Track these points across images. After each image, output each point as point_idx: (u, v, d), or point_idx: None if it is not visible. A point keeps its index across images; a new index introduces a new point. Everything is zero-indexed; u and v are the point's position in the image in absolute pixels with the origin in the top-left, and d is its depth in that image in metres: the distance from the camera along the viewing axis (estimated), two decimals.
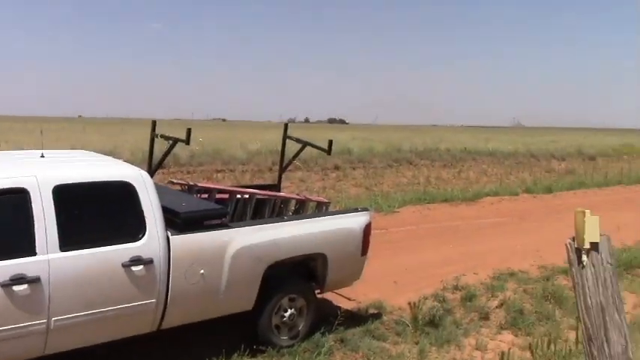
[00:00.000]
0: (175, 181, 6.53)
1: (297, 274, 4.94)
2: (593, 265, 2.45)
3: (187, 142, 5.24)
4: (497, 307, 6.07)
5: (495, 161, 26.09)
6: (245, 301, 4.45)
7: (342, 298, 5.93)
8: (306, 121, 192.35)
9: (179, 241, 4.03)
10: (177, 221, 4.10)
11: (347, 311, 5.64)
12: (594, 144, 37.66)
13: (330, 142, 6.53)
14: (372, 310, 5.81)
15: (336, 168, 20.21)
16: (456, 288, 6.59)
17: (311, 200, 6.44)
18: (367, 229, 5.18)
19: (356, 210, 5.38)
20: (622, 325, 2.41)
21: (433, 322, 5.44)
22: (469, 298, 6.26)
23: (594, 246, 2.47)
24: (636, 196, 16.00)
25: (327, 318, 5.15)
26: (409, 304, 5.57)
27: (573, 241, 2.52)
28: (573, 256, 2.50)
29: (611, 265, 2.48)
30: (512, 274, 7.20)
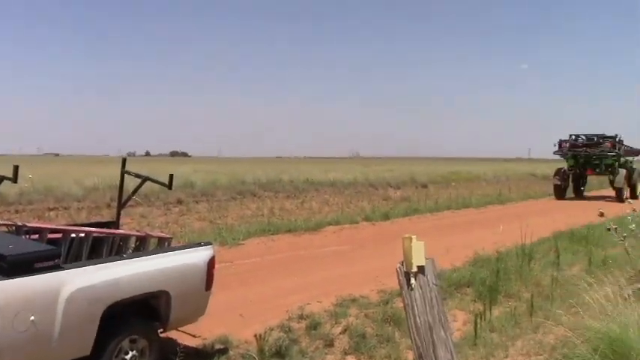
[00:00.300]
0: (1, 221, 6.06)
1: (139, 314, 4.77)
2: (421, 287, 2.64)
3: (14, 179, 4.92)
4: (341, 333, 6.25)
5: (336, 191, 26.99)
6: (82, 347, 4.22)
7: (187, 336, 5.81)
8: (147, 154, 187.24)
9: (5, 286, 3.75)
10: (3, 265, 3.82)
11: (192, 349, 5.53)
12: (425, 172, 40.22)
13: (171, 177, 6.41)
14: (217, 346, 5.74)
15: (179, 202, 19.81)
16: (301, 317, 6.69)
17: (152, 236, 6.28)
18: (211, 263, 5.14)
19: (199, 244, 5.32)
20: (447, 340, 2.62)
21: (280, 353, 5.49)
22: (314, 326, 6.38)
23: (421, 269, 2.67)
24: (463, 219, 17.33)
25: (171, 358, 5.01)
26: (255, 336, 5.57)
27: (403, 265, 2.70)
28: (403, 279, 2.68)
29: (436, 285, 2.69)
30: (354, 300, 7.45)
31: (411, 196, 24.72)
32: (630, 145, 28.45)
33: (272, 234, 12.91)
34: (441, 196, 24.32)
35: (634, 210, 7.34)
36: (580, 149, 26.54)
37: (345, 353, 5.79)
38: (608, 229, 7.18)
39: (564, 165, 27.05)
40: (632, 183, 26.29)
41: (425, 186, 32.02)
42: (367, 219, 16.24)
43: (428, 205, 20.51)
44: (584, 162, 26.61)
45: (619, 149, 26.55)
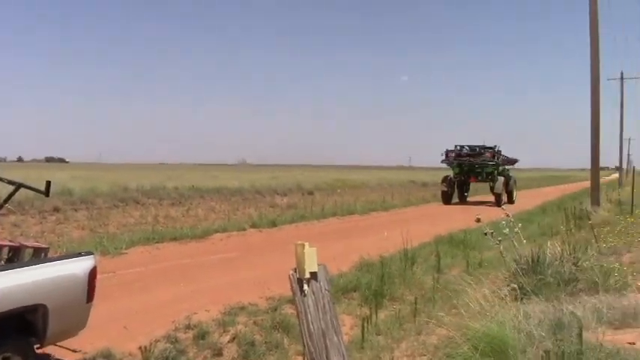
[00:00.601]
0: None
1: (12, 330, 4.46)
2: (314, 293, 2.66)
3: None
4: (229, 341, 6.17)
5: (223, 198, 26.71)
6: None
7: (66, 351, 5.50)
8: (20, 160, 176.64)
9: None
10: None
11: None
12: (311, 179, 40.71)
13: (48, 183, 6.05)
14: None
15: (56, 210, 18.78)
16: (188, 327, 6.54)
17: (27, 246, 5.90)
18: (92, 274, 4.90)
19: (79, 254, 5.06)
20: (340, 345, 2.65)
21: None
22: (201, 335, 6.26)
23: (314, 275, 2.68)
24: (349, 226, 17.70)
25: None
26: (140, 348, 5.37)
27: (295, 271, 2.71)
28: (296, 286, 2.69)
29: (328, 291, 2.72)
30: (242, 308, 7.39)
31: (298, 203, 24.93)
32: (507, 155, 31.07)
33: (157, 242, 12.57)
34: (327, 203, 24.72)
35: (507, 215, 7.78)
36: (464, 159, 28.86)
37: None
38: (485, 234, 7.57)
39: (449, 173, 29.56)
40: (509, 189, 28.92)
41: (311, 193, 32.38)
42: (254, 226, 16.20)
43: (314, 211, 20.76)
44: (468, 170, 28.93)
45: (498, 159, 29.07)
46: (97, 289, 4.99)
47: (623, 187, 39.29)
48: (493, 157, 28.75)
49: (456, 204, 28.42)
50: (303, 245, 2.66)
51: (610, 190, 32.80)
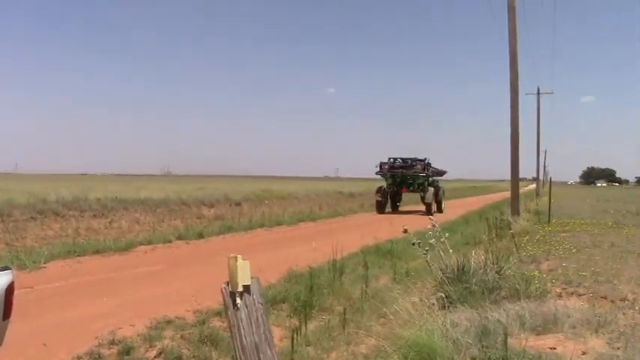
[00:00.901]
0: None
1: None
2: (247, 307, 2.62)
3: None
4: (155, 356, 6.01)
5: (147, 209, 26.11)
6: None
7: None
8: None
9: None
10: None
11: None
12: (239, 190, 40.41)
13: None
14: None
15: None
16: (112, 342, 6.32)
17: None
18: (9, 290, 4.65)
19: None
20: (274, 359, 2.62)
21: None
22: (126, 351, 6.07)
23: (247, 288, 2.64)
24: (277, 237, 17.64)
25: None
26: None
27: (228, 285, 2.66)
28: (228, 300, 2.64)
29: (261, 305, 2.69)
30: (169, 322, 7.21)
31: (225, 215, 24.68)
32: (436, 167, 32.83)
33: (78, 256, 12.13)
34: (254, 214, 24.58)
35: (434, 225, 7.95)
36: (397, 170, 30.58)
37: None
38: (413, 244, 7.70)
39: (382, 184, 31.06)
40: (439, 199, 30.58)
41: (239, 204, 32.14)
42: (181, 238, 15.92)
43: (242, 223, 20.60)
44: (400, 181, 30.62)
45: (428, 171, 30.69)
46: (14, 306, 4.75)
47: (540, 197, 41.12)
48: (424, 169, 30.36)
49: (388, 213, 29.52)
50: (236, 258, 2.62)
51: (528, 200, 34.20)
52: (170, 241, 15.26)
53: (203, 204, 30.60)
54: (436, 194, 30.19)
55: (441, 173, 34.45)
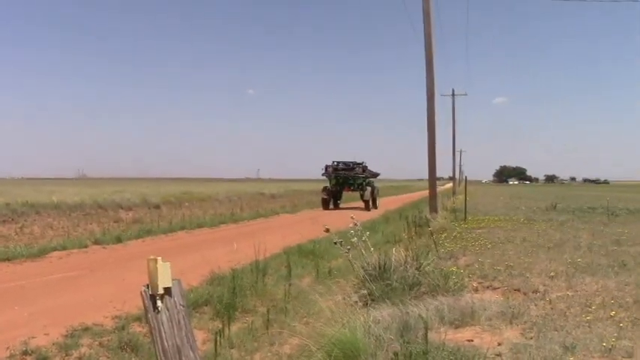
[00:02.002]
0: None
1: None
2: (168, 309, 2.56)
3: None
4: None
5: (61, 214, 25.09)
6: None
7: None
8: None
9: None
10: None
11: None
12: (157, 193, 39.54)
13: None
14: None
15: None
16: (25, 353, 6.05)
17: None
18: None
19: None
20: None
21: None
22: None
23: (167, 291, 2.59)
24: (198, 239, 17.40)
25: None
26: None
27: (148, 287, 2.59)
28: (148, 303, 2.57)
29: (183, 307, 2.64)
30: (86, 329, 6.97)
31: (144, 218, 24.11)
32: (371, 169, 37.12)
33: None
34: (174, 217, 24.17)
35: (355, 224, 8.04)
36: (340, 172, 35.34)
37: None
38: (335, 243, 7.77)
39: (326, 184, 35.80)
40: (374, 197, 35.13)
41: (157, 207, 31.41)
42: (97, 242, 15.43)
43: (161, 226, 20.21)
44: (343, 182, 35.34)
45: (366, 172, 35.74)
46: None
47: (456, 196, 42.51)
48: (363, 171, 35.52)
49: (332, 210, 33.70)
50: (156, 260, 2.55)
51: (445, 198, 35.25)
52: (86, 246, 14.77)
53: (120, 207, 29.69)
54: (372, 192, 34.74)
55: (375, 175, 38.43)
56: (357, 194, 35.92)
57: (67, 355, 6.07)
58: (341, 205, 36.24)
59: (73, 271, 11.16)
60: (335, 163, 35.81)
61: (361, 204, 34.47)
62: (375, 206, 34.31)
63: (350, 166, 35.81)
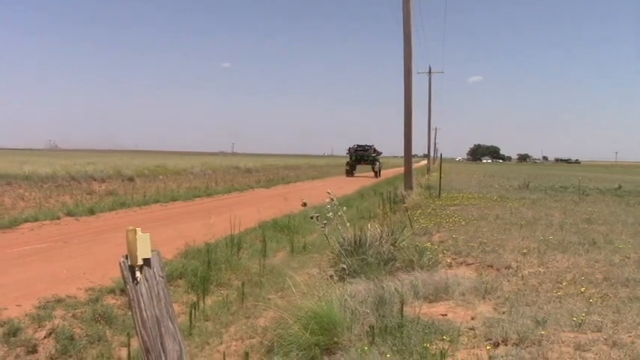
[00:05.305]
0: None
1: None
2: (147, 280, 2.54)
3: None
4: (45, 337, 5.76)
5: (33, 185, 24.70)
6: None
7: None
8: None
9: None
10: None
11: None
12: (132, 165, 39.09)
13: None
14: None
15: None
16: None
17: None
18: None
19: None
20: (176, 333, 2.57)
21: None
22: (13, 332, 5.76)
23: (147, 262, 2.56)
24: (172, 212, 17.30)
25: None
26: None
27: (127, 258, 2.57)
28: (127, 274, 2.55)
29: (162, 278, 2.62)
30: (59, 301, 6.91)
31: (117, 190, 23.87)
32: (377, 149, 51.47)
33: None
34: (148, 190, 23.97)
35: (332, 199, 8.06)
36: (359, 151, 50.20)
37: (52, 358, 5.36)
38: (311, 217, 7.79)
39: (347, 159, 50.88)
40: (379, 168, 50.23)
41: (131, 179, 31.08)
42: (70, 214, 15.28)
43: (135, 198, 20.05)
44: (360, 158, 50.07)
45: (374, 152, 50.61)
46: None
47: (431, 173, 42.93)
48: (374, 151, 50.52)
49: (351, 176, 47.03)
50: (135, 231, 2.53)
51: (420, 175, 35.47)
52: (59, 218, 14.60)
53: (93, 179, 29.30)
54: (379, 166, 50.20)
55: (379, 153, 52.36)
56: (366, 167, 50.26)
57: (39, 327, 6.02)
58: (356, 174, 48.73)
59: (46, 243, 11.03)
60: (355, 146, 50.81)
61: (369, 173, 48.34)
62: (378, 175, 47.78)
63: (364, 148, 50.68)
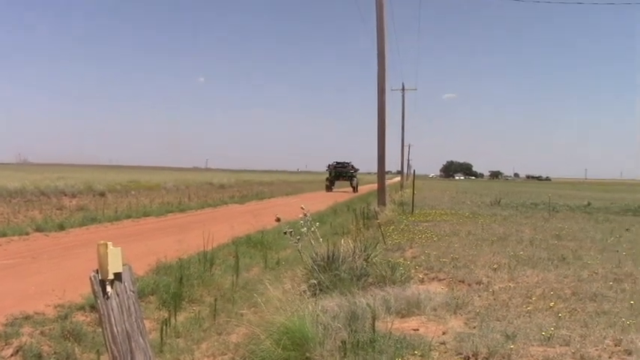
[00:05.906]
0: None
1: None
2: (118, 295, 2.53)
3: None
4: (12, 355, 5.65)
5: (1, 200, 24.33)
6: None
7: None
8: None
9: None
10: None
11: None
12: (103, 180, 38.67)
13: None
14: None
15: None
16: None
17: None
18: None
19: None
20: (147, 348, 2.55)
21: None
22: None
23: (118, 276, 2.55)
24: (144, 228, 17.14)
25: None
26: None
27: (97, 273, 2.55)
28: (98, 288, 2.53)
29: (133, 292, 2.61)
30: (27, 318, 6.78)
31: (88, 205, 23.58)
32: (354, 166, 55.53)
33: None
34: (120, 205, 23.70)
35: (305, 215, 8.07)
36: (338, 168, 54.37)
37: None
38: (285, 233, 7.79)
39: (326, 175, 55.28)
40: (356, 184, 53.51)
41: (103, 194, 30.78)
42: (40, 230, 15.04)
43: (107, 214, 19.81)
44: (339, 174, 54.28)
45: (353, 168, 54.62)
46: None
47: (404, 189, 43.17)
48: (352, 168, 54.73)
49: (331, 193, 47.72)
50: (106, 245, 2.52)
51: (393, 191, 35.67)
52: (27, 234, 14.37)
53: (64, 194, 28.96)
54: (356, 182, 53.68)
55: (357, 170, 55.94)
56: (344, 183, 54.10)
57: (6, 344, 5.90)
58: (334, 190, 52.41)
59: (13, 259, 10.84)
60: (334, 162, 55.06)
61: (347, 189, 51.61)
62: (356, 191, 51.03)
63: (343, 165, 54.99)
